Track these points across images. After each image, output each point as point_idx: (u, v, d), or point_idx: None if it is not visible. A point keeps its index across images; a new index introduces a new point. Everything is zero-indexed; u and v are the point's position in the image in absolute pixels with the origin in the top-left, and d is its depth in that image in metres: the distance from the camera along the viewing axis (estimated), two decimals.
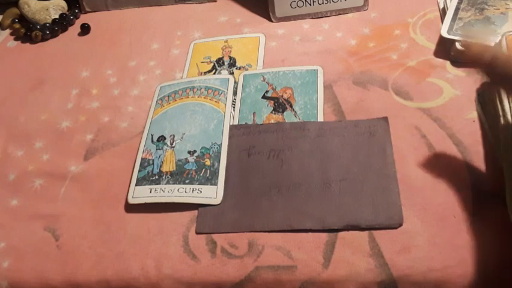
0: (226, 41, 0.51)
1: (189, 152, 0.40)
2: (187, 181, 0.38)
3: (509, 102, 0.35)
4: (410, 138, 0.38)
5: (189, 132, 0.41)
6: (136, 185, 0.38)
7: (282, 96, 0.43)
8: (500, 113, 0.35)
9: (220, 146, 0.39)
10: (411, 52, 0.46)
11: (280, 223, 0.34)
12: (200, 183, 0.37)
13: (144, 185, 0.38)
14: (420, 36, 0.47)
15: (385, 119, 0.39)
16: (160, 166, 0.39)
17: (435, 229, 0.32)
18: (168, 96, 0.45)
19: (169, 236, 0.35)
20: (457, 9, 0.45)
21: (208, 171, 0.38)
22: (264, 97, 0.44)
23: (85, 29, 0.58)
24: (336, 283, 0.31)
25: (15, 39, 0.59)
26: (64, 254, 0.36)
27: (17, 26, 0.58)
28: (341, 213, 0.34)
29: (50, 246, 0.36)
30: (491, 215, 0.32)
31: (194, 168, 0.38)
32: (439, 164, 0.36)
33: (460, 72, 0.42)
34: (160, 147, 0.41)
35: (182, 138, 0.41)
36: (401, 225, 0.33)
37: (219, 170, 0.38)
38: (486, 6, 0.45)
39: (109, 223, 0.37)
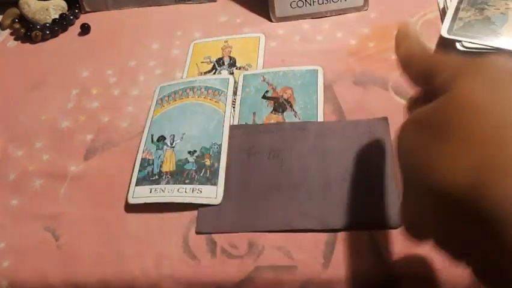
0: (226, 41, 0.51)
1: (189, 152, 0.40)
2: (187, 181, 0.38)
3: None
4: None
5: (189, 132, 0.41)
6: (136, 185, 0.38)
7: (282, 96, 0.43)
8: None
9: (220, 146, 0.39)
10: None
11: (280, 223, 0.34)
12: (200, 183, 0.37)
13: (144, 185, 0.38)
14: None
15: (385, 119, 0.39)
16: (160, 166, 0.39)
17: None
18: (168, 96, 0.45)
19: (169, 236, 0.35)
20: (457, 9, 0.45)
21: (208, 171, 0.38)
22: (264, 97, 0.44)
23: (85, 29, 0.58)
24: (336, 283, 0.31)
25: (15, 39, 0.59)
26: (64, 254, 0.36)
27: (17, 26, 0.58)
28: (341, 213, 0.34)
29: (50, 246, 0.36)
30: None
31: (194, 168, 0.38)
32: None
33: None
34: (160, 147, 0.41)
35: (182, 138, 0.41)
36: (401, 225, 0.33)
37: (219, 170, 0.38)
38: (486, 6, 0.45)
39: (109, 223, 0.37)
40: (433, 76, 0.22)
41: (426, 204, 0.19)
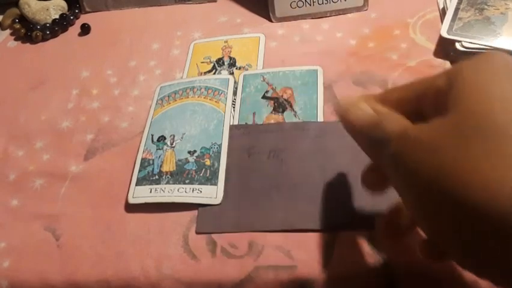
0: (226, 41, 0.51)
1: (189, 152, 0.40)
2: (187, 181, 0.38)
3: None
4: None
5: (189, 132, 0.41)
6: (136, 185, 0.38)
7: (282, 96, 0.43)
8: None
9: (220, 146, 0.40)
10: (411, 52, 0.46)
11: (280, 223, 0.34)
12: (200, 183, 0.37)
13: (144, 185, 0.38)
14: (420, 37, 0.47)
15: None
16: (160, 166, 0.39)
17: None
18: (168, 96, 0.46)
19: (169, 236, 0.35)
20: (457, 9, 0.45)
21: (208, 171, 0.38)
22: (264, 97, 0.44)
23: (85, 29, 0.58)
24: (336, 282, 0.31)
25: (16, 39, 0.59)
26: (64, 254, 0.36)
27: (18, 26, 0.58)
28: (341, 212, 0.34)
29: (50, 246, 0.36)
30: None
31: (194, 168, 0.38)
32: None
33: None
34: (160, 147, 0.41)
35: (182, 138, 0.41)
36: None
37: (219, 170, 0.38)
38: (486, 6, 0.45)
39: (109, 223, 0.37)
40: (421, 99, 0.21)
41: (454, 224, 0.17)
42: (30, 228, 0.38)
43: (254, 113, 0.42)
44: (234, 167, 0.38)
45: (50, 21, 0.59)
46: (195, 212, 0.36)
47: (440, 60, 0.44)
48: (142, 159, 0.40)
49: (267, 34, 0.52)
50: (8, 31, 0.60)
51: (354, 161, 0.37)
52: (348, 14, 0.52)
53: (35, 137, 0.45)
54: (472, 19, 0.44)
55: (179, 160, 0.39)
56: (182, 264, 0.34)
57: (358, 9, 0.52)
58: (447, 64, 0.44)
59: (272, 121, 0.41)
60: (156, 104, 0.45)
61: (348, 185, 0.35)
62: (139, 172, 0.39)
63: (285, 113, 0.42)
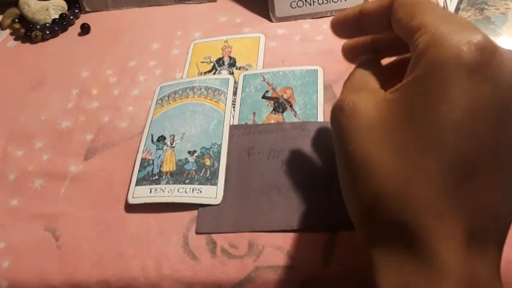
0: (226, 41, 0.51)
1: (189, 152, 0.40)
2: (187, 181, 0.38)
3: None
4: None
5: (189, 132, 0.41)
6: (136, 185, 0.38)
7: (282, 96, 0.43)
8: None
9: (220, 146, 0.39)
10: None
11: (281, 223, 0.34)
12: (200, 183, 0.37)
13: (144, 185, 0.38)
14: None
15: None
16: (160, 166, 0.39)
17: None
18: (168, 96, 0.45)
19: (169, 236, 0.35)
20: (457, 9, 0.45)
21: (208, 171, 0.38)
22: (264, 97, 0.44)
23: (85, 29, 0.58)
24: (337, 282, 0.31)
25: (15, 39, 0.59)
26: (63, 254, 0.36)
27: (17, 26, 0.58)
28: (341, 212, 0.34)
29: (50, 246, 0.36)
30: None
31: (194, 168, 0.38)
32: None
33: None
34: (160, 147, 0.41)
35: (182, 138, 0.41)
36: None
37: (219, 170, 0.38)
38: (486, 6, 0.45)
39: (109, 223, 0.37)
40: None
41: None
42: (30, 228, 0.38)
43: (254, 113, 0.42)
44: (234, 167, 0.38)
45: (49, 21, 0.59)
46: (194, 212, 0.36)
47: None
48: (142, 159, 0.40)
49: (267, 34, 0.51)
50: (7, 31, 0.60)
51: None
52: None
53: (35, 137, 0.45)
54: (472, 19, 0.44)
55: (179, 160, 0.39)
56: (182, 264, 0.34)
57: None
58: None
59: (272, 121, 0.41)
60: (156, 104, 0.45)
61: None
62: (138, 172, 0.39)
63: (285, 113, 0.42)
